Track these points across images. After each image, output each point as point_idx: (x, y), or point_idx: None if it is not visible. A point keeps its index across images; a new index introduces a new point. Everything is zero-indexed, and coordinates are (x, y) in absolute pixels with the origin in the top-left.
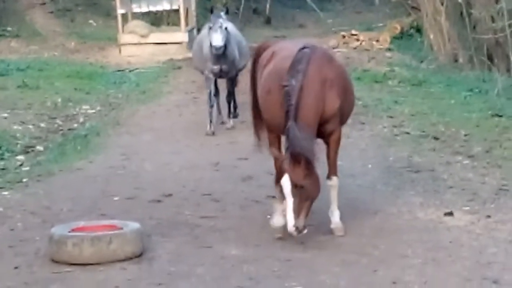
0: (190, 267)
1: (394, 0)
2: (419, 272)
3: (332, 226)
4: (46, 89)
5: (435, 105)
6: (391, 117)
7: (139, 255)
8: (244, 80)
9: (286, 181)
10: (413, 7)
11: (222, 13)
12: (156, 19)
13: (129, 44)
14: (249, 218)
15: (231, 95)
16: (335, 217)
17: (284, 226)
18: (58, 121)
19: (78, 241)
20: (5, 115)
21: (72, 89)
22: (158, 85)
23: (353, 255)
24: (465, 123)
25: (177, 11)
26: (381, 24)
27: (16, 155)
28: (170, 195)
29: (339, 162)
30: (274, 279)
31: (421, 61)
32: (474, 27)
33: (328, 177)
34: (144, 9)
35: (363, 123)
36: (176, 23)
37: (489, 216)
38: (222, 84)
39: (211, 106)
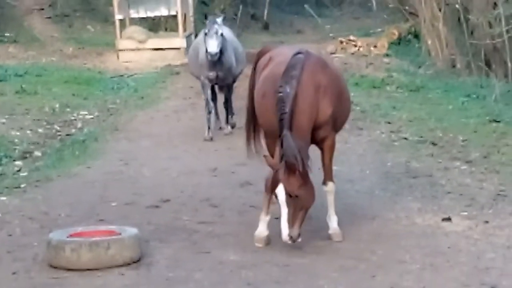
0: (188, 273)
1: (392, 6)
2: (417, 277)
3: (330, 231)
4: (44, 94)
5: (433, 111)
6: (389, 122)
7: (137, 261)
8: (242, 85)
9: (280, 191)
10: (411, 13)
11: (218, 19)
12: (154, 25)
13: (127, 49)
14: (247, 223)
15: (228, 102)
16: (333, 222)
17: (266, 237)
18: (56, 126)
19: (76, 247)
20: (3, 120)
21: (70, 94)
22: (156, 90)
23: (351, 260)
24: (463, 128)
25: (175, 16)
26: (379, 30)
27: (14, 161)
28: (168, 200)
29: (336, 168)
30: (272, 285)
31: (419, 67)
32: (472, 33)
33: (324, 183)
34: (142, 14)
35: (361, 129)
36: (174, 29)
37: (487, 222)
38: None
39: (209, 113)
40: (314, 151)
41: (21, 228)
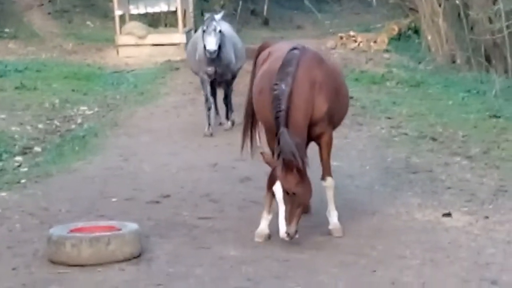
0: (189, 268)
1: (392, 1)
2: (417, 273)
3: (330, 227)
4: (44, 90)
5: (433, 106)
6: (389, 118)
7: (138, 256)
8: (242, 81)
9: (278, 188)
10: (411, 9)
11: (216, 16)
12: (153, 21)
13: (127, 45)
14: (247, 219)
15: (227, 97)
16: (333, 218)
17: (267, 235)
18: (56, 122)
19: (76, 242)
20: (3, 116)
21: (69, 90)
22: (155, 86)
23: (351, 256)
24: (463, 124)
25: (174, 12)
26: (379, 25)
27: (14, 156)
28: (168, 196)
29: (336, 163)
30: (272, 280)
31: (419, 62)
32: (472, 28)
33: (323, 179)
34: (142, 10)
35: (361, 124)
36: (174, 25)
37: (487, 217)
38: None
39: (209, 109)
40: (312, 148)
41: (21, 223)
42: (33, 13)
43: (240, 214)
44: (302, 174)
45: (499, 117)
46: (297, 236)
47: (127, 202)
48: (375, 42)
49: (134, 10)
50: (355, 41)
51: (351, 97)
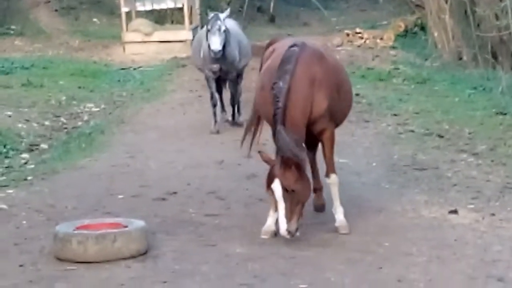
0: (195, 265)
1: None
2: (424, 270)
3: (337, 224)
4: (50, 87)
5: (439, 103)
6: (395, 115)
7: (144, 253)
8: (248, 78)
9: (277, 186)
10: (417, 5)
11: (221, 15)
12: (160, 17)
13: (133, 42)
14: (253, 216)
15: (234, 98)
16: (339, 214)
17: (273, 232)
18: (62, 119)
19: (82, 239)
20: (10, 113)
21: (76, 87)
22: (162, 83)
23: (357, 253)
24: (469, 121)
25: (181, 9)
26: (385, 22)
27: (21, 153)
28: (174, 193)
29: (343, 160)
30: (278, 277)
31: (425, 59)
32: (478, 25)
33: (327, 175)
34: (148, 7)
35: (368, 121)
36: (180, 21)
37: (493, 214)
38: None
39: (214, 106)
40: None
41: (28, 220)
42: (39, 10)
43: (246, 211)
44: (300, 171)
45: (506, 114)
46: (298, 233)
47: (134, 199)
48: (381, 39)
49: (140, 7)
50: (362, 38)
51: (357, 94)
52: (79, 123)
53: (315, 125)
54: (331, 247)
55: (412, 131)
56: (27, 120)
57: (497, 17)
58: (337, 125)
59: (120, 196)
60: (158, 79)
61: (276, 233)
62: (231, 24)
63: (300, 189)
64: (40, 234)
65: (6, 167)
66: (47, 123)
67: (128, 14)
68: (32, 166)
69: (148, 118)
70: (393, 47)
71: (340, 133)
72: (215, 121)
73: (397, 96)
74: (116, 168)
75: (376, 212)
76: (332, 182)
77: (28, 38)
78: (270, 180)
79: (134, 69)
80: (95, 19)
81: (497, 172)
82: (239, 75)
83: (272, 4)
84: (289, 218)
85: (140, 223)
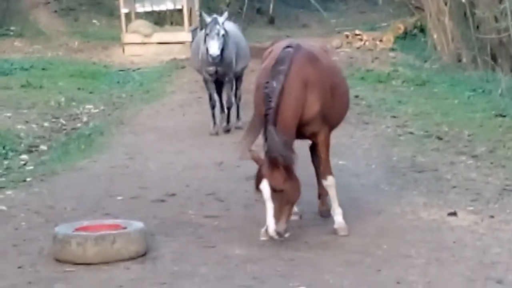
0: (194, 267)
1: (398, 0)
2: (423, 272)
3: (336, 226)
4: (50, 88)
5: (439, 105)
6: (394, 117)
7: (143, 255)
8: (247, 79)
9: (265, 186)
10: (416, 7)
11: (220, 19)
12: (159, 19)
13: (133, 43)
14: (252, 217)
15: (229, 102)
16: (338, 216)
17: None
18: (61, 120)
19: (82, 241)
20: (9, 114)
21: (75, 88)
22: (161, 84)
23: (356, 254)
24: (468, 123)
25: (180, 10)
26: (384, 24)
27: (20, 155)
28: (173, 194)
29: (342, 162)
30: (278, 279)
31: (425, 61)
32: (478, 27)
33: (323, 178)
34: (148, 8)
35: (367, 123)
36: (180, 23)
37: (492, 216)
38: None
39: (213, 107)
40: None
41: (27, 222)
42: (39, 11)
43: (245, 212)
44: (289, 171)
45: (505, 116)
46: (287, 235)
47: (133, 201)
48: (381, 40)
49: (140, 8)
50: (361, 39)
51: (357, 96)
52: (79, 125)
53: (307, 127)
54: (330, 249)
55: (412, 133)
56: (26, 121)
57: (496, 19)
58: (332, 127)
59: (119, 198)
60: (157, 80)
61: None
62: (230, 27)
63: (289, 189)
64: (39, 236)
65: (5, 168)
66: (46, 124)
67: (127, 15)
68: (31, 167)
69: (147, 119)
70: (393, 49)
71: (339, 135)
72: (214, 123)
73: (396, 98)
74: (115, 170)
75: (375, 214)
76: (329, 184)
77: (27, 39)
78: (258, 180)
79: (134, 70)
80: (94, 21)
81: (496, 174)
82: (239, 78)
83: (271, 6)
84: (277, 218)
85: (139, 224)
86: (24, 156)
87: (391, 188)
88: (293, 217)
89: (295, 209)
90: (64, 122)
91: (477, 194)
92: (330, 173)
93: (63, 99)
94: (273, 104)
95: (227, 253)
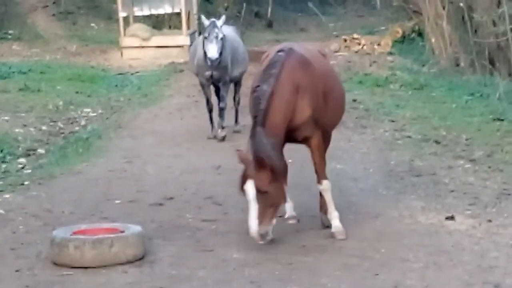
0: (192, 271)
1: (396, 4)
2: (421, 276)
3: (333, 230)
4: (48, 92)
5: (437, 109)
6: (392, 121)
7: (141, 258)
8: (244, 83)
9: (250, 187)
10: (414, 11)
11: (218, 22)
12: (157, 22)
13: (131, 47)
14: None
15: (224, 102)
16: (335, 220)
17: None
18: (59, 124)
19: (79, 244)
20: (7, 118)
21: (73, 92)
22: (159, 88)
23: (354, 258)
24: (466, 127)
25: (178, 14)
26: (382, 28)
27: (18, 158)
28: (171, 198)
29: (340, 166)
30: (275, 283)
31: (423, 65)
32: (476, 31)
33: (318, 182)
34: (146, 12)
35: (365, 127)
36: (178, 26)
37: (490, 220)
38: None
39: (210, 111)
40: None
41: (24, 225)
42: (37, 15)
43: (243, 216)
44: (275, 173)
45: (503, 120)
46: (269, 237)
47: (131, 204)
48: (379, 44)
49: (138, 12)
50: (359, 43)
51: (355, 100)
52: (76, 128)
53: (299, 132)
54: (327, 252)
55: (409, 137)
56: (24, 125)
57: (494, 23)
58: (327, 132)
59: (117, 201)
60: (155, 84)
61: (273, 239)
62: (228, 32)
63: (274, 191)
64: (37, 239)
65: (3, 172)
66: (44, 128)
67: (125, 19)
68: (29, 171)
69: (145, 123)
70: (391, 53)
71: (337, 138)
72: (212, 127)
73: (394, 102)
74: (113, 173)
75: (373, 218)
76: (324, 188)
77: (25, 43)
78: (243, 181)
79: (132, 74)
80: (92, 24)
81: (494, 178)
82: (238, 82)
83: (269, 10)
84: (260, 220)
85: (137, 228)
86: (22, 160)
87: (389, 192)
88: (291, 221)
89: (293, 212)
90: (62, 125)
91: (475, 198)
92: (325, 178)
93: (61, 103)
94: (262, 107)
95: (225, 257)
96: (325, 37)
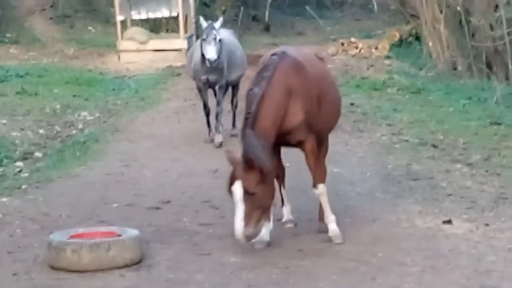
0: (189, 274)
1: (393, 7)
2: (418, 280)
3: (330, 233)
4: (45, 95)
5: (434, 113)
6: (390, 124)
7: (138, 262)
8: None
9: (237, 187)
10: (412, 15)
11: (216, 24)
12: (155, 26)
13: (128, 50)
14: None
15: (220, 108)
16: (332, 224)
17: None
18: (57, 127)
19: (77, 248)
20: (4, 121)
21: (71, 95)
22: (157, 92)
23: (351, 262)
24: (463, 131)
25: (176, 18)
26: (380, 32)
27: (15, 162)
28: (169, 202)
29: (337, 170)
30: (272, 286)
31: (420, 69)
32: (473, 35)
33: (314, 186)
34: (143, 16)
35: (362, 131)
36: (175, 30)
37: (487, 224)
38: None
39: (207, 115)
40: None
41: (21, 229)
42: (34, 18)
43: None
44: (264, 175)
45: (500, 124)
46: (254, 240)
47: (128, 208)
48: (376, 48)
49: (135, 16)
50: (356, 47)
51: (352, 104)
52: (74, 132)
53: (291, 136)
54: (325, 256)
55: (407, 141)
56: (22, 129)
57: (491, 27)
58: (322, 136)
59: (115, 205)
60: (153, 87)
61: (270, 243)
62: (226, 35)
63: (261, 193)
64: (34, 243)
65: (0, 176)
66: (41, 131)
67: (123, 22)
68: (26, 174)
69: (142, 126)
70: (388, 57)
71: (335, 142)
72: (210, 130)
73: (391, 105)
74: (110, 177)
75: (370, 222)
76: (320, 192)
77: (23, 46)
78: (231, 182)
79: (129, 77)
80: (90, 28)
81: (492, 182)
82: (235, 86)
83: (267, 13)
84: (246, 222)
85: (134, 232)
86: (19, 163)
87: (386, 196)
88: (288, 225)
89: (290, 216)
90: (59, 129)
91: (472, 202)
92: (320, 182)
93: (58, 106)
94: (253, 109)
95: (222, 260)
96: (323, 40)
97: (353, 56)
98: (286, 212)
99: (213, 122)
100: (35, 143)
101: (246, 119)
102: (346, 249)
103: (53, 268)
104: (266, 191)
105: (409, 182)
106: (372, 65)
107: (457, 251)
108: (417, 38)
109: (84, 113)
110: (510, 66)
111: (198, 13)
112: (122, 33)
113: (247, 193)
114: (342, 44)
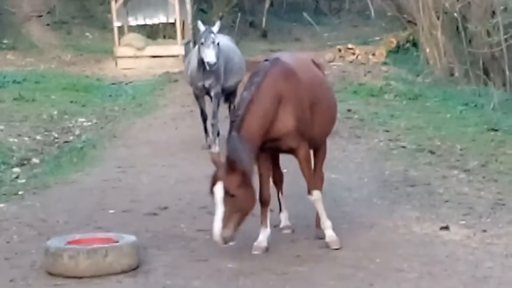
0: (186, 280)
1: (390, 14)
2: (415, 286)
3: (327, 239)
4: (42, 101)
5: (431, 119)
6: (387, 131)
7: (135, 268)
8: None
9: (218, 189)
10: (409, 21)
11: (213, 28)
12: (152, 32)
13: (125, 57)
14: (245, 231)
15: (215, 117)
16: (328, 230)
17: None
18: (54, 133)
19: (74, 254)
20: (1, 127)
21: (68, 101)
22: (154, 98)
23: (349, 268)
24: (461, 137)
25: (173, 24)
26: (377, 38)
27: (12, 168)
28: (166, 208)
29: (334, 176)
30: None
31: (417, 75)
32: (470, 42)
33: (309, 193)
34: (141, 22)
35: (359, 137)
36: (173, 36)
37: (485, 231)
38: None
39: (205, 120)
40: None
41: (19, 235)
42: (31, 24)
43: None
44: (246, 179)
45: (497, 130)
46: (232, 243)
47: (125, 214)
48: (373, 54)
49: (132, 22)
50: (354, 53)
51: (349, 110)
52: (71, 138)
53: (282, 142)
54: (322, 262)
55: (404, 147)
56: (19, 135)
57: (488, 34)
58: (316, 142)
59: (112, 211)
60: (150, 93)
61: (267, 249)
62: (224, 41)
63: (242, 195)
64: (31, 249)
65: None
66: (38, 137)
67: (120, 28)
68: (24, 180)
69: (140, 132)
70: (385, 63)
71: (332, 148)
72: (207, 136)
73: (388, 112)
74: (107, 183)
75: (367, 228)
76: (315, 198)
77: (20, 52)
78: (213, 183)
79: (126, 83)
80: (87, 34)
81: (489, 188)
82: (232, 92)
83: (264, 19)
84: (225, 224)
85: (131, 238)
86: (16, 169)
87: (383, 202)
88: (286, 231)
89: (288, 222)
90: (56, 135)
91: (470, 208)
92: (315, 188)
93: (55, 112)
94: (240, 112)
95: (219, 266)
96: (320, 47)
97: (350, 62)
98: (284, 218)
99: (211, 128)
100: (32, 149)
101: (232, 122)
102: (343, 255)
103: (50, 274)
104: (247, 194)
105: (406, 188)
106: (369, 71)
107: (454, 257)
108: (414, 44)
109: (81, 119)
110: (507, 72)
111: (195, 19)
112: (119, 39)
113: (228, 194)
114: (339, 50)
